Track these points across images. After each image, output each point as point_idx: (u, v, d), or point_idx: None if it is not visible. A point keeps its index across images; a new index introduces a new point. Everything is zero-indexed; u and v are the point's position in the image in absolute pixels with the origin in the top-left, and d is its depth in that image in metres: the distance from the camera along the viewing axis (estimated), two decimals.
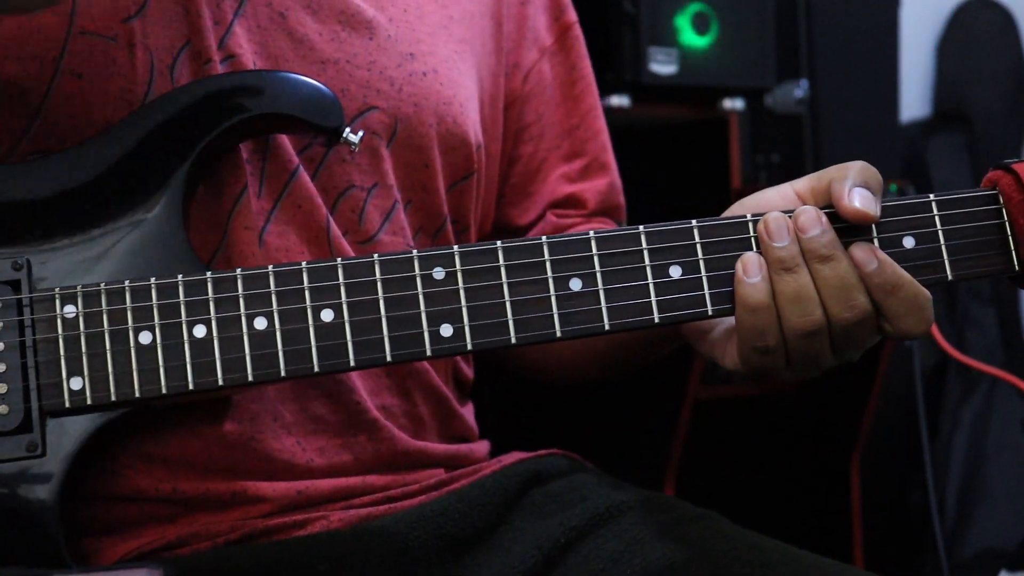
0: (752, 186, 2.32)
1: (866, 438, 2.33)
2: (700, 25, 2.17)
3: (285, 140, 1.07)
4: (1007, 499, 2.79)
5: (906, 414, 2.46)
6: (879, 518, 2.45)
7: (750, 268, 0.97)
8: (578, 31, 1.33)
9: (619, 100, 2.09)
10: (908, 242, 1.00)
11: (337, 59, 1.09)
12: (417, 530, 1.08)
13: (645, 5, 2.11)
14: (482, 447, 1.23)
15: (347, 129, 1.05)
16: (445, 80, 1.15)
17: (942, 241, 1.00)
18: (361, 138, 1.06)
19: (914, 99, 3.13)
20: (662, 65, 2.12)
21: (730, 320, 1.01)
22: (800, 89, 2.34)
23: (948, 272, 1.00)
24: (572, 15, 1.33)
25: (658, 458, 2.07)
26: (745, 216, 1.00)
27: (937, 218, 1.00)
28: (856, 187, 0.98)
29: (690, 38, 2.16)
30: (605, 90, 1.35)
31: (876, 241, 0.99)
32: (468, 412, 1.23)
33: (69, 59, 1.01)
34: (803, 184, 1.02)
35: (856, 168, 0.99)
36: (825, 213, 0.98)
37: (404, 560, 1.07)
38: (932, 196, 1.01)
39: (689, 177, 2.33)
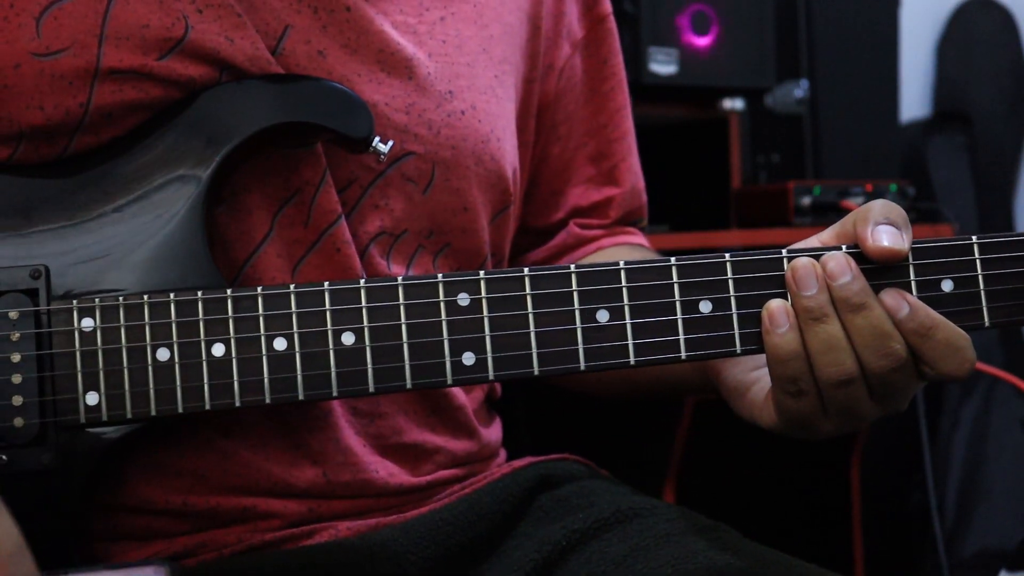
0: (752, 186, 2.33)
1: (866, 438, 2.32)
2: (700, 25, 2.17)
3: (331, 183, 1.04)
4: (1007, 499, 2.78)
5: (906, 414, 2.44)
6: (879, 517, 2.45)
7: (777, 319, 0.94)
8: (612, 24, 1.28)
9: None
10: (947, 286, 0.95)
11: (376, 102, 1.05)
12: (426, 539, 1.07)
13: (645, 5, 2.11)
14: (499, 458, 1.21)
15: (376, 138, 1.02)
16: (483, 115, 1.11)
17: (981, 286, 0.95)
18: (391, 147, 1.03)
19: (914, 99, 3.13)
20: (662, 65, 2.12)
21: (768, 380, 0.98)
22: (800, 89, 2.35)
23: (985, 319, 0.96)
24: (606, 6, 1.28)
25: (659, 458, 2.06)
26: (780, 251, 0.96)
27: (978, 262, 0.96)
28: (879, 225, 0.94)
29: (690, 38, 2.16)
30: None
31: (913, 284, 0.95)
32: (494, 431, 1.21)
33: (98, 99, 0.98)
34: (828, 234, 0.97)
35: (877, 206, 0.95)
36: (854, 255, 0.94)
37: (410, 570, 1.06)
38: (975, 238, 0.96)
39: (689, 177, 2.33)
